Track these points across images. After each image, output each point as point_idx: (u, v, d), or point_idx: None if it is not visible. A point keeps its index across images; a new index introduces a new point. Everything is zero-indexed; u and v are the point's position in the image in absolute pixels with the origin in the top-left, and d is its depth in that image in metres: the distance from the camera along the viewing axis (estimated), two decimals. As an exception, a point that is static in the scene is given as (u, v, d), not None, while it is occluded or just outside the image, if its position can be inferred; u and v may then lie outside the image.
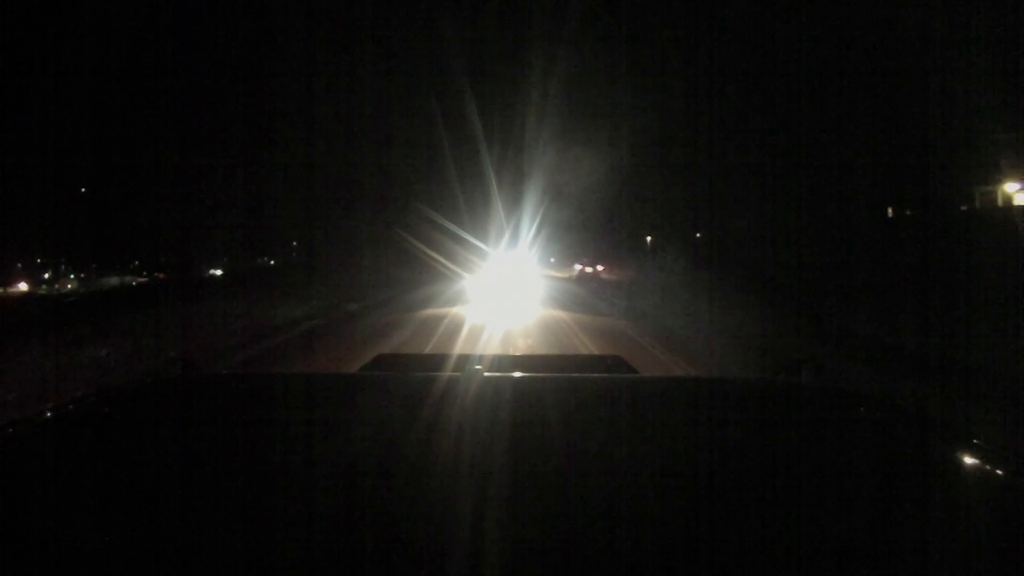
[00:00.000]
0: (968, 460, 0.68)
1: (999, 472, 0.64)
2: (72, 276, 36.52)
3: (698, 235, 24.11)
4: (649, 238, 27.20)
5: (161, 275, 35.79)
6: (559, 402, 0.88)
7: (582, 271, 30.13)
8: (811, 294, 13.29)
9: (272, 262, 39.69)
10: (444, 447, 0.68)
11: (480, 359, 1.22)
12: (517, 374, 1.10)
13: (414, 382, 1.03)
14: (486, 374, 0.96)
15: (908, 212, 17.12)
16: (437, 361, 1.67)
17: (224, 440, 0.72)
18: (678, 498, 0.57)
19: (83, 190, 33.06)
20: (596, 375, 1.32)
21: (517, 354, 4.68)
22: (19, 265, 33.62)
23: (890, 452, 0.71)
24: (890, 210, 17.80)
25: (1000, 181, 14.67)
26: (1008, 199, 14.66)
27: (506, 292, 13.19)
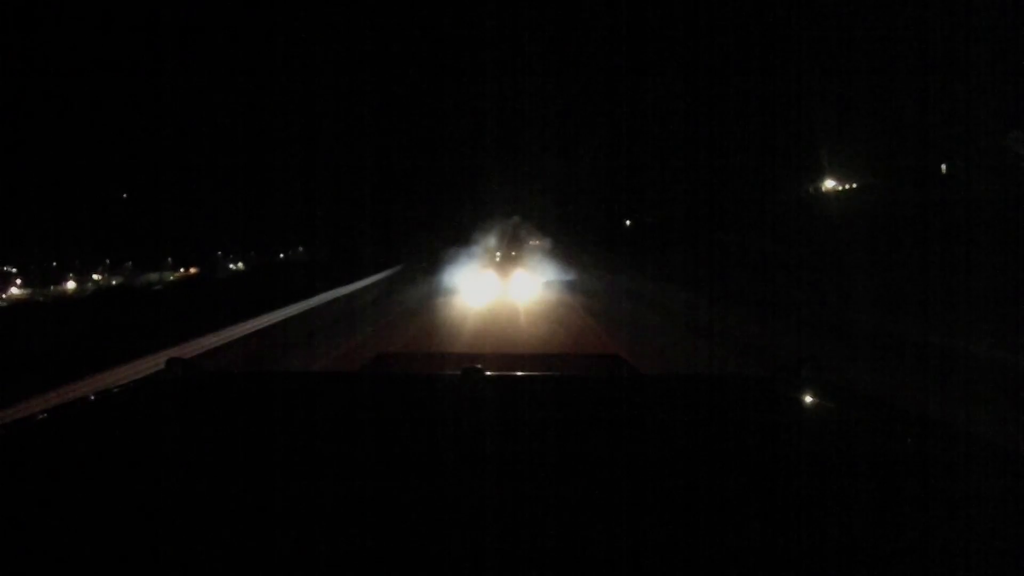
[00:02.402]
0: (968, 460, 0.67)
1: (998, 472, 0.63)
2: (131, 271, 41.83)
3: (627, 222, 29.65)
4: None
5: (194, 269, 41.93)
6: (559, 401, 0.89)
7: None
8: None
9: (281, 255, 45.28)
10: (444, 446, 0.69)
11: (480, 358, 1.25)
12: (517, 373, 1.11)
13: (415, 381, 1.06)
14: (487, 373, 0.98)
15: (780, 196, 22.87)
16: (438, 360, 1.77)
17: (224, 440, 0.73)
18: (678, 498, 0.57)
19: (124, 196, 38.87)
20: (596, 374, 1.36)
21: (517, 352, 5.12)
22: (108, 261, 39.13)
23: (890, 452, 0.70)
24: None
25: (824, 178, 20.53)
26: (829, 189, 20.54)
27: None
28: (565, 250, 18.94)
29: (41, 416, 0.79)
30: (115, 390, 0.93)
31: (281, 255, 44.83)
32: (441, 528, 0.50)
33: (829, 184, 20.70)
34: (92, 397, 0.91)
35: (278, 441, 0.73)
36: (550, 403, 0.88)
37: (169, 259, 43.40)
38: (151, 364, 5.43)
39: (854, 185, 20.37)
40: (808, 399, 0.92)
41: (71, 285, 40.51)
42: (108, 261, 40.03)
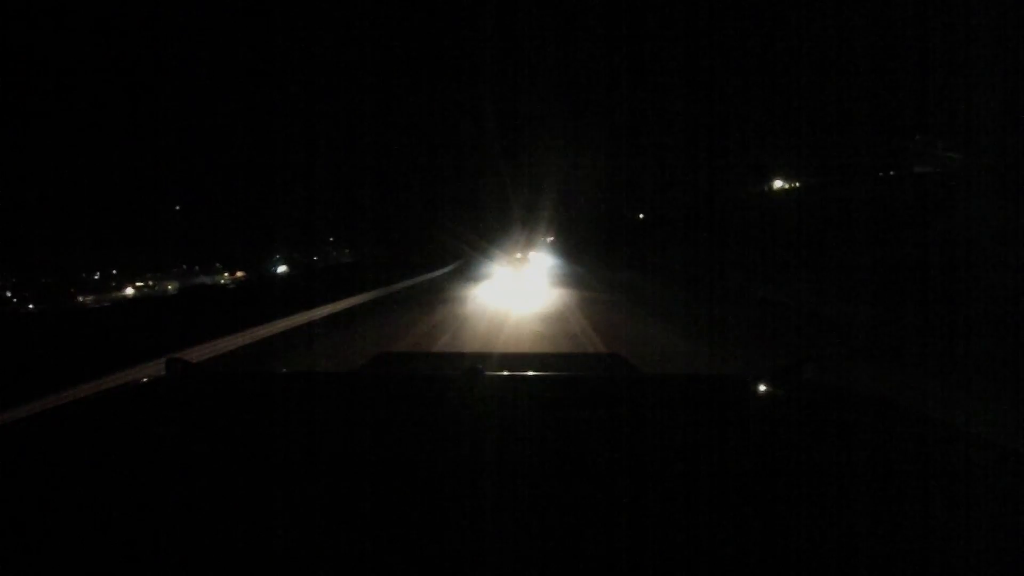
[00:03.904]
0: (968, 460, 0.68)
1: (999, 471, 0.64)
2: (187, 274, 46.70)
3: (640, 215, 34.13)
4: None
5: (240, 273, 47.00)
6: (559, 401, 0.90)
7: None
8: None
9: (315, 257, 50.19)
10: (444, 446, 0.70)
11: (480, 358, 1.26)
12: (518, 373, 1.12)
13: (415, 381, 1.07)
14: (487, 373, 0.98)
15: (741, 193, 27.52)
16: (438, 360, 1.78)
17: (224, 440, 0.73)
18: (678, 498, 0.57)
19: (177, 208, 43.80)
20: (596, 374, 1.37)
21: (517, 352, 5.11)
22: (184, 266, 44.14)
23: (890, 452, 0.71)
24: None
25: (773, 178, 25.05)
26: (780, 187, 25.08)
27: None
28: (567, 247, 23.85)
29: (40, 415, 0.79)
30: (115, 390, 0.92)
31: (315, 258, 49.75)
32: (442, 528, 0.51)
33: (777, 184, 25.38)
34: (92, 397, 0.89)
35: (278, 441, 0.73)
36: (551, 403, 0.89)
37: (217, 264, 48.55)
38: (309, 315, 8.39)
39: (797, 184, 24.95)
40: (808, 399, 0.92)
41: (130, 291, 45.07)
42: (184, 266, 45.27)
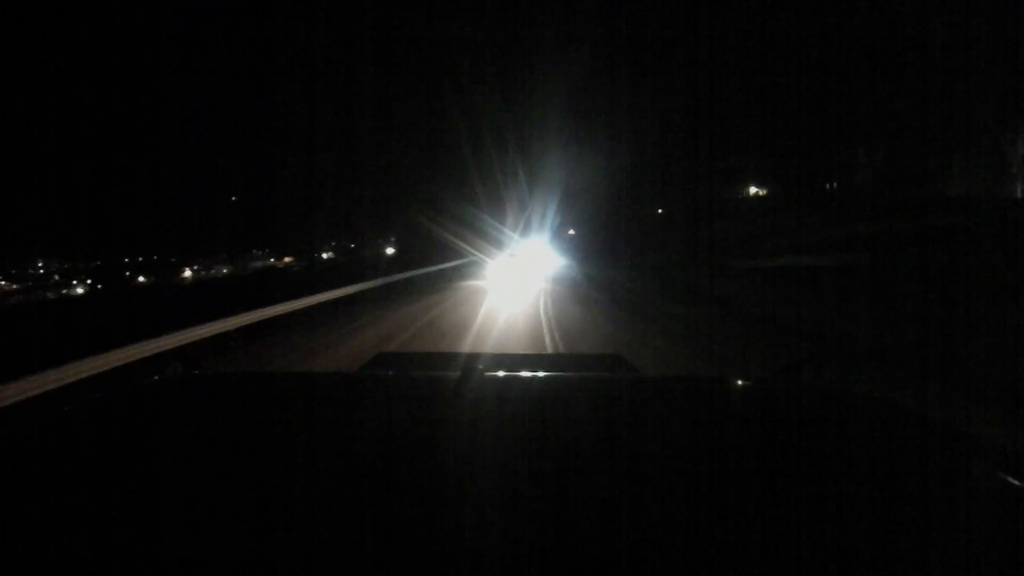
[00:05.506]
0: (968, 460, 0.68)
1: (999, 471, 0.64)
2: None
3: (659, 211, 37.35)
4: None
5: (290, 259, 51.74)
6: (559, 401, 0.91)
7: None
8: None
9: (352, 245, 55.53)
10: (444, 446, 0.70)
11: (480, 358, 1.27)
12: (517, 373, 1.13)
13: (414, 381, 1.08)
14: (486, 373, 0.99)
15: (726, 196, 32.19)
16: (438, 360, 1.79)
17: (224, 440, 0.74)
18: (678, 498, 0.57)
19: (233, 199, 49.35)
20: (596, 374, 1.38)
21: (517, 353, 5.11)
22: (254, 251, 49.19)
23: (890, 452, 0.71)
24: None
25: (748, 183, 29.48)
26: (754, 192, 29.44)
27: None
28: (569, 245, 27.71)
29: (41, 415, 0.80)
30: (115, 390, 0.94)
31: (352, 245, 55.27)
32: (441, 528, 0.51)
33: (751, 190, 29.92)
34: (93, 397, 0.90)
35: (277, 441, 0.73)
36: (550, 403, 0.89)
37: (267, 249, 54.54)
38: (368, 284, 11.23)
39: (763, 192, 29.51)
40: (808, 399, 0.93)
41: (187, 274, 50.17)
42: (254, 251, 51.56)
